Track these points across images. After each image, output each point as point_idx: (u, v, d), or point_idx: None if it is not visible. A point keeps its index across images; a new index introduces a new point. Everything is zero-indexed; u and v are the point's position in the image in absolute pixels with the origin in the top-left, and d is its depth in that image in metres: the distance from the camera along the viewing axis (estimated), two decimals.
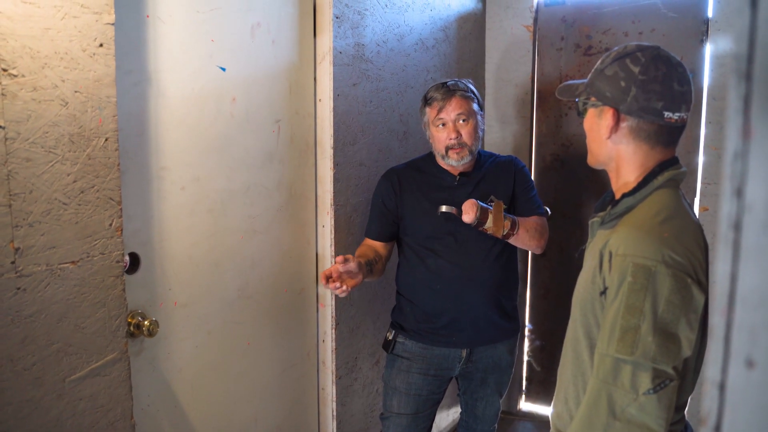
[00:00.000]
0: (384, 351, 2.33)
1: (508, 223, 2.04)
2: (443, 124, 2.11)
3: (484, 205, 2.04)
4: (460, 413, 2.47)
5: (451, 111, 2.09)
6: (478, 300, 2.17)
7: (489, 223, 2.02)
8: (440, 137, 2.13)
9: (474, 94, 2.16)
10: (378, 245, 2.25)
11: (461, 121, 2.10)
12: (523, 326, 3.36)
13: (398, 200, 2.21)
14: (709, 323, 1.23)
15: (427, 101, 2.16)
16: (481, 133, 2.17)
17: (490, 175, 2.21)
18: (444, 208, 2.06)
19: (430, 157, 2.26)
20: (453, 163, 2.15)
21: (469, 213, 2.01)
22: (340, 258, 1.93)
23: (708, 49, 2.79)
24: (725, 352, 0.45)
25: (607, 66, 1.32)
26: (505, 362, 2.29)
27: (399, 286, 2.30)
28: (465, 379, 2.34)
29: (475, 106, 2.14)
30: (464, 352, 2.22)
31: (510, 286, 2.26)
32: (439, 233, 2.16)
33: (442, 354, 2.22)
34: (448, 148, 2.12)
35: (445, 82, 2.14)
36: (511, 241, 2.11)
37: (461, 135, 2.10)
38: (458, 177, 2.19)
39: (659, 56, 1.27)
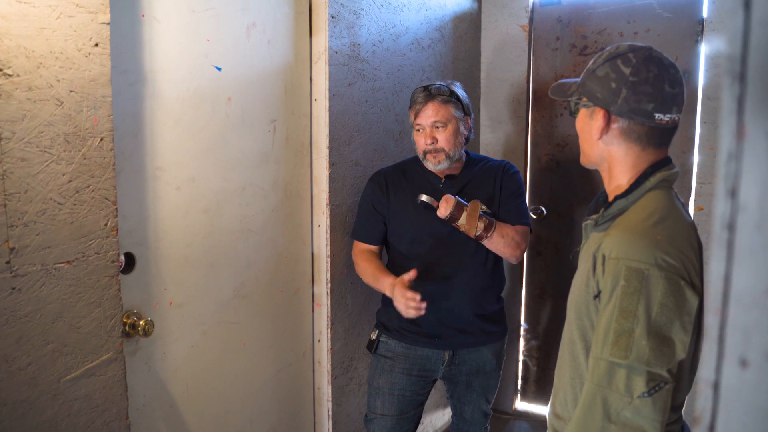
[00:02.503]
0: (369, 351, 2.33)
1: (482, 225, 2.05)
2: (421, 129, 2.14)
3: (461, 201, 2.05)
4: (451, 416, 2.48)
5: (426, 117, 2.11)
6: (461, 303, 2.17)
7: (462, 221, 2.04)
8: (419, 141, 2.16)
9: (458, 98, 2.14)
10: (374, 249, 2.27)
11: (438, 127, 2.10)
12: (519, 326, 3.36)
13: (387, 202, 2.22)
14: (703, 323, 1.23)
15: (410, 104, 2.18)
16: (463, 139, 2.15)
17: (477, 178, 2.21)
18: (424, 198, 2.09)
19: (417, 159, 2.26)
20: (430, 166, 2.16)
21: (442, 207, 2.04)
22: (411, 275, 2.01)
23: (703, 49, 2.80)
24: (719, 352, 0.46)
25: (599, 66, 1.31)
26: (489, 366, 2.27)
27: None
28: (450, 383, 2.33)
29: (455, 112, 2.12)
30: (447, 354, 2.22)
31: (494, 289, 2.26)
32: (422, 236, 2.16)
33: (425, 354, 2.22)
34: (425, 152, 2.15)
35: (428, 86, 2.14)
36: (485, 243, 2.11)
37: (437, 140, 2.11)
38: (444, 179, 2.19)
39: (651, 57, 1.27)
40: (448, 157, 2.13)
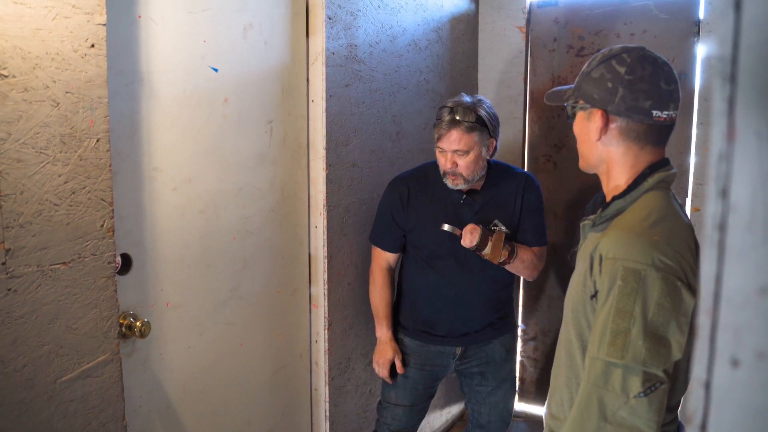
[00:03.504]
0: None
1: (506, 253, 2.10)
2: (442, 152, 2.12)
3: (486, 230, 2.08)
4: (467, 427, 2.51)
5: (449, 144, 2.08)
6: (473, 313, 2.26)
7: (487, 250, 2.08)
8: (441, 161, 2.15)
9: (484, 122, 2.06)
10: (392, 257, 2.32)
11: (459, 154, 2.08)
12: (516, 327, 3.37)
13: (406, 213, 2.24)
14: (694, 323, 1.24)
15: (436, 120, 2.14)
16: (484, 162, 2.13)
17: (498, 195, 2.20)
18: (446, 227, 2.11)
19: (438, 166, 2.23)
20: (449, 185, 2.16)
21: (467, 238, 2.07)
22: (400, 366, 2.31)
23: (699, 51, 2.80)
24: (710, 352, 0.46)
25: (593, 68, 1.32)
26: (499, 356, 2.34)
27: (401, 285, 2.37)
28: (465, 377, 2.40)
29: (478, 139, 2.06)
30: (458, 350, 2.31)
31: (506, 299, 2.34)
32: (441, 252, 2.20)
33: (437, 351, 2.32)
34: (445, 173, 2.14)
35: (454, 107, 2.06)
36: (506, 267, 2.16)
37: (457, 165, 2.10)
38: (465, 195, 2.19)
39: (645, 56, 1.28)
40: (466, 181, 2.12)
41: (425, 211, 2.21)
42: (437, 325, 2.28)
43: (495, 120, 2.13)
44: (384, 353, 2.31)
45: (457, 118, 2.05)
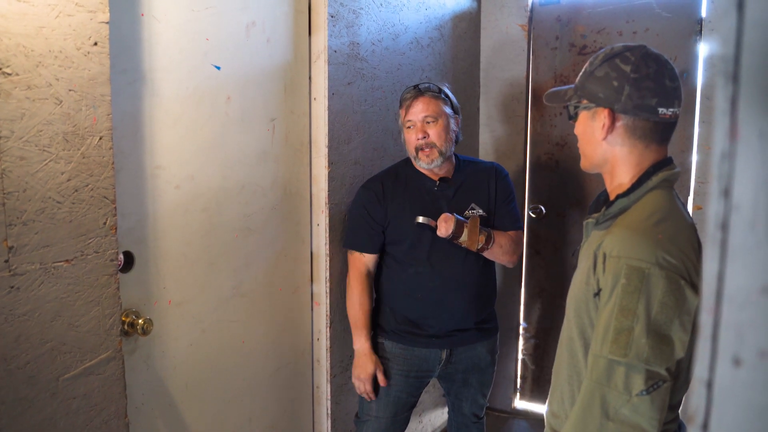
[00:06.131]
0: None
1: (482, 238, 2.07)
2: (412, 126, 2.12)
3: (460, 218, 2.06)
4: (448, 412, 2.49)
5: (418, 112, 2.09)
6: (458, 307, 2.18)
7: (464, 237, 2.06)
8: (410, 138, 2.14)
9: (447, 96, 2.14)
10: (371, 259, 2.24)
11: (428, 122, 2.09)
12: (518, 325, 3.37)
13: (383, 208, 2.19)
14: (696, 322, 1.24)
15: (400, 104, 2.18)
16: (453, 136, 2.14)
17: (470, 181, 2.21)
18: (421, 219, 2.08)
19: (408, 161, 2.25)
20: (423, 165, 2.14)
21: (442, 227, 2.05)
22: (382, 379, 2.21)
23: (701, 49, 2.80)
24: (712, 351, 0.46)
25: (596, 67, 1.32)
26: (484, 362, 2.29)
27: (380, 293, 2.30)
28: (447, 381, 2.35)
29: (446, 108, 2.11)
30: (444, 353, 2.23)
31: (489, 292, 2.28)
32: (420, 241, 2.16)
33: (423, 355, 2.23)
34: (417, 149, 2.13)
35: (417, 84, 2.14)
36: (485, 254, 2.14)
37: (429, 135, 2.09)
38: (438, 182, 2.18)
39: (648, 54, 1.28)
40: (440, 153, 2.11)
41: (401, 202, 2.17)
42: (423, 322, 2.19)
43: (456, 101, 2.19)
44: (365, 367, 2.19)
45: (422, 88, 2.11)
